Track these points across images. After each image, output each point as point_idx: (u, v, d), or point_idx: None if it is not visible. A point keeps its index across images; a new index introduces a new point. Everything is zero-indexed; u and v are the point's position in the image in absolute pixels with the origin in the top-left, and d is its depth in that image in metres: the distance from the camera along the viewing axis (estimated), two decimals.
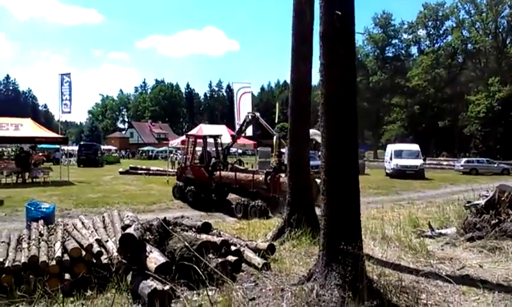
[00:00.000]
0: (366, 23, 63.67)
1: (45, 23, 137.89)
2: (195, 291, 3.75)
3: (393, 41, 65.80)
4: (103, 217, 5.32)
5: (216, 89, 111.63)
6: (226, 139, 17.65)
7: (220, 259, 4.15)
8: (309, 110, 6.49)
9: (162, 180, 21.65)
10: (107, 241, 4.51)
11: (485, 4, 53.70)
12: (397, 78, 63.17)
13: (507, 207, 5.94)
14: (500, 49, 53.20)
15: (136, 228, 4.24)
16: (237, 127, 19.30)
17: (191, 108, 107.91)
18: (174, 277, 3.77)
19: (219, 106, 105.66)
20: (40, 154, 36.47)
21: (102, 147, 52.79)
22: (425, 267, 4.65)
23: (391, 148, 30.60)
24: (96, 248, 4.22)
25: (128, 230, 4.19)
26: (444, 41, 61.73)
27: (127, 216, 4.82)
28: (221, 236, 4.90)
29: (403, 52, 66.67)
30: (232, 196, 15.21)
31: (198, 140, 16.67)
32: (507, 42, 53.56)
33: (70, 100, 24.56)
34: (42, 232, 4.63)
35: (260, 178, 12.93)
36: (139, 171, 27.29)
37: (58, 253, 4.08)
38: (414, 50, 66.84)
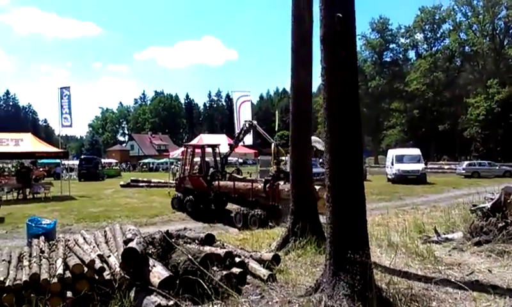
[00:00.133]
0: (363, 29, 64.05)
1: (44, 37, 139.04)
2: (200, 306, 3.67)
3: (391, 46, 66.15)
4: (105, 231, 5.25)
5: (215, 98, 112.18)
6: (226, 148, 17.64)
7: (225, 272, 4.07)
8: (310, 117, 6.46)
9: (163, 192, 21.56)
10: (110, 256, 4.43)
11: (481, 6, 54.00)
12: (396, 82, 63.33)
13: None
14: (497, 51, 53.34)
15: (138, 241, 4.17)
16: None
17: (191, 118, 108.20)
18: (178, 292, 3.70)
19: (218, 116, 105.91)
20: (41, 169, 36.50)
21: (103, 160, 52.73)
22: (434, 273, 4.58)
23: (392, 153, 30.51)
24: (98, 264, 4.14)
25: (130, 244, 4.12)
26: (441, 44, 62.00)
27: (129, 230, 4.75)
28: (224, 248, 4.82)
29: (401, 56, 66.93)
30: (234, 206, 15.12)
31: (197, 150, 16.68)
32: (505, 43, 53.66)
33: (69, 113, 24.53)
34: (43, 249, 4.55)
35: (259, 187, 12.86)
36: (140, 184, 27.20)
37: (60, 270, 4.00)
38: (412, 54, 67.20)
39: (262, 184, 12.72)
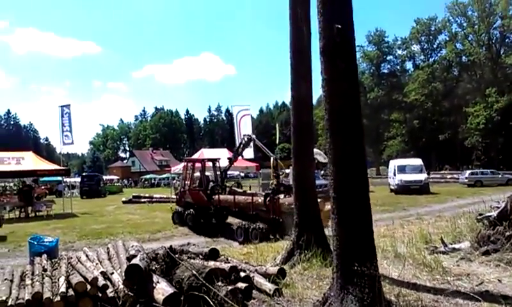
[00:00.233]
0: (360, 41, 64.65)
1: (44, 56, 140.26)
2: None
3: (388, 58, 66.76)
4: (107, 248, 5.19)
5: (215, 113, 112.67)
6: (226, 162, 17.68)
7: (230, 287, 3.99)
8: (312, 128, 6.45)
9: (165, 207, 21.46)
10: (113, 273, 4.37)
11: (476, 16, 54.65)
12: (394, 94, 63.69)
13: None
14: (494, 60, 53.77)
15: (141, 258, 4.11)
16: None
17: (191, 133, 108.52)
18: None
19: (219, 130, 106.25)
20: (43, 187, 36.44)
21: (104, 177, 52.77)
22: (443, 284, 4.50)
23: (394, 163, 30.46)
24: (101, 281, 4.07)
25: (133, 261, 4.06)
26: (438, 55, 62.66)
27: (132, 246, 4.69)
28: (229, 263, 4.75)
29: (398, 67, 67.56)
30: (236, 221, 15.04)
31: (197, 164, 16.73)
32: (501, 53, 54.15)
33: (70, 131, 24.64)
34: (46, 267, 4.49)
35: (259, 200, 12.86)
36: (142, 200, 27.12)
37: (62, 288, 3.93)
38: (409, 65, 67.81)
39: (262, 198, 12.74)
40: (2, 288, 3.96)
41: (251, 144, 17.33)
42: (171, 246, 4.72)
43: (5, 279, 4.16)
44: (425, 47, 63.81)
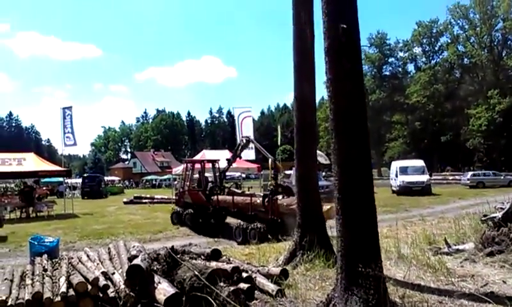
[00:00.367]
0: (361, 44, 63.85)
1: (45, 59, 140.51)
2: None
3: (390, 60, 66.66)
4: (108, 248, 5.15)
5: (217, 115, 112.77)
6: (225, 163, 17.72)
7: (232, 288, 3.95)
8: (315, 129, 6.41)
9: (166, 208, 21.43)
10: (114, 273, 4.33)
11: (478, 18, 54.50)
12: (396, 95, 63.58)
13: None
14: (496, 62, 53.62)
15: (142, 258, 4.08)
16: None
17: (193, 135, 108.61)
18: None
19: (220, 132, 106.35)
20: (44, 188, 36.49)
21: (106, 178, 52.82)
22: (447, 285, 4.45)
23: (396, 165, 30.37)
24: (102, 281, 4.04)
25: (135, 261, 4.03)
26: (440, 57, 62.45)
27: (133, 246, 4.66)
28: (231, 263, 4.70)
29: (400, 70, 67.36)
30: (235, 221, 15.05)
31: (197, 165, 16.78)
32: (503, 55, 54.00)
33: (72, 132, 24.67)
34: (46, 267, 4.46)
35: (258, 201, 12.93)
36: (144, 200, 27.13)
37: (63, 288, 3.90)
38: (411, 67, 67.65)
39: (261, 198, 12.82)
40: (2, 287, 3.93)
41: (251, 145, 17.35)
42: (172, 246, 4.68)
43: (5, 279, 4.13)
44: (426, 49, 63.70)
